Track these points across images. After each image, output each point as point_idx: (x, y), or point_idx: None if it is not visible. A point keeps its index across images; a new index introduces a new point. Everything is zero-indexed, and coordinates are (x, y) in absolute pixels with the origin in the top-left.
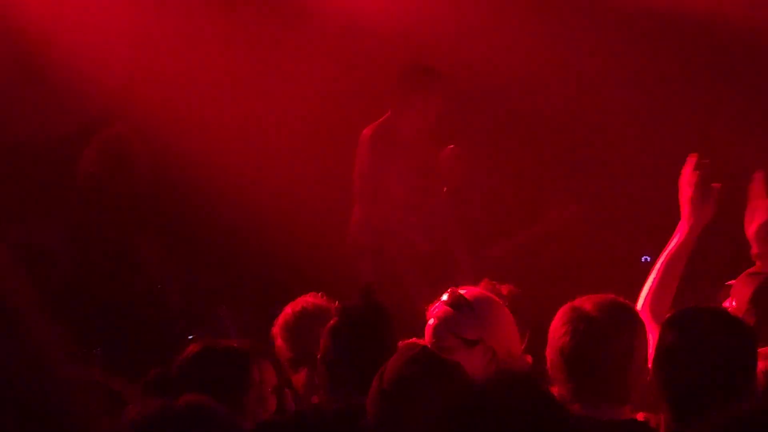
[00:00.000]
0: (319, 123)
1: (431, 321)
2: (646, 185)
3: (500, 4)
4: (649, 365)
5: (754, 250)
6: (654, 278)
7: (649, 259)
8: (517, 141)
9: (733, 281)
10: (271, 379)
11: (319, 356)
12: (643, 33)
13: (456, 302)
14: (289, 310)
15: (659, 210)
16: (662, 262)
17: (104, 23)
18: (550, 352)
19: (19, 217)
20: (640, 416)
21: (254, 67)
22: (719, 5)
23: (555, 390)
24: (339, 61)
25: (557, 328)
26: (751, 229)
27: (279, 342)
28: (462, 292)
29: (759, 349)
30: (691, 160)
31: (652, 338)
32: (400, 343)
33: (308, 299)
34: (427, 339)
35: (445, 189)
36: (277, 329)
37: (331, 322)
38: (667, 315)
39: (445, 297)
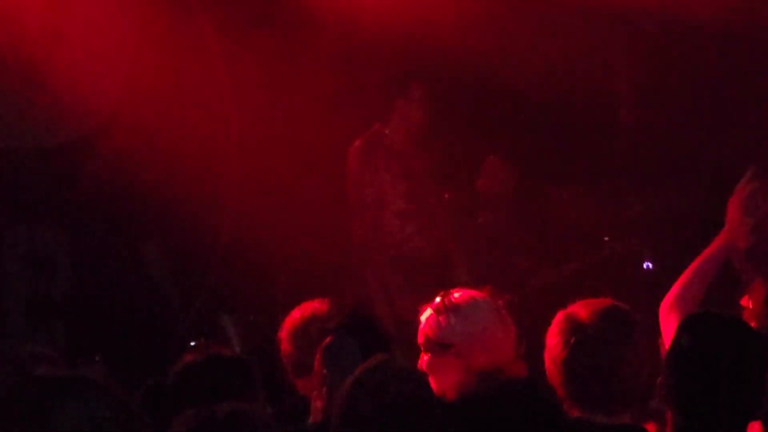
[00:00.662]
0: (320, 130)
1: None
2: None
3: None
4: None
5: None
6: (683, 278)
7: (651, 265)
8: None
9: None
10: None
11: (315, 370)
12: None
13: (438, 305)
14: (297, 315)
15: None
16: (695, 264)
17: (106, 31)
18: (547, 360)
19: (23, 222)
20: (651, 428)
21: (254, 73)
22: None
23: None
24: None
25: (552, 336)
26: None
27: (285, 346)
28: (454, 295)
29: None
30: (750, 171)
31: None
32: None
33: (315, 304)
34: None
35: (446, 195)
36: (284, 334)
37: (326, 340)
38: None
39: (437, 299)
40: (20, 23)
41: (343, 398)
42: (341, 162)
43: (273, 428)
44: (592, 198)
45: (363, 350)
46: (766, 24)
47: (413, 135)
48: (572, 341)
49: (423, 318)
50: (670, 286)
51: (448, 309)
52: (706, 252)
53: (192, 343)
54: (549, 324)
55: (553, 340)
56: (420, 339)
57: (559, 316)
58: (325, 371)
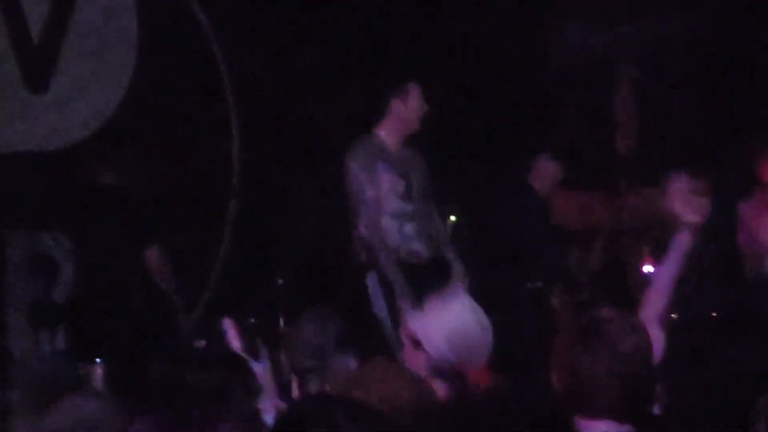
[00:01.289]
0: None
1: None
2: None
3: None
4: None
5: None
6: (664, 290)
7: (652, 269)
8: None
9: None
10: None
11: None
12: None
13: (427, 301)
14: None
15: None
16: (671, 272)
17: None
18: (562, 366)
19: (25, 225)
20: None
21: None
22: None
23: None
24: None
25: (569, 344)
26: None
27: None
28: (444, 295)
29: None
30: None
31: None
32: None
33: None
34: None
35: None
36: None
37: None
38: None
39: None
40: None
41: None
42: (339, 163)
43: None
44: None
45: None
46: None
47: (409, 137)
48: (599, 348)
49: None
50: None
51: (430, 306)
52: (677, 257)
53: (195, 345)
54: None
55: (570, 348)
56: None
57: (578, 324)
58: None
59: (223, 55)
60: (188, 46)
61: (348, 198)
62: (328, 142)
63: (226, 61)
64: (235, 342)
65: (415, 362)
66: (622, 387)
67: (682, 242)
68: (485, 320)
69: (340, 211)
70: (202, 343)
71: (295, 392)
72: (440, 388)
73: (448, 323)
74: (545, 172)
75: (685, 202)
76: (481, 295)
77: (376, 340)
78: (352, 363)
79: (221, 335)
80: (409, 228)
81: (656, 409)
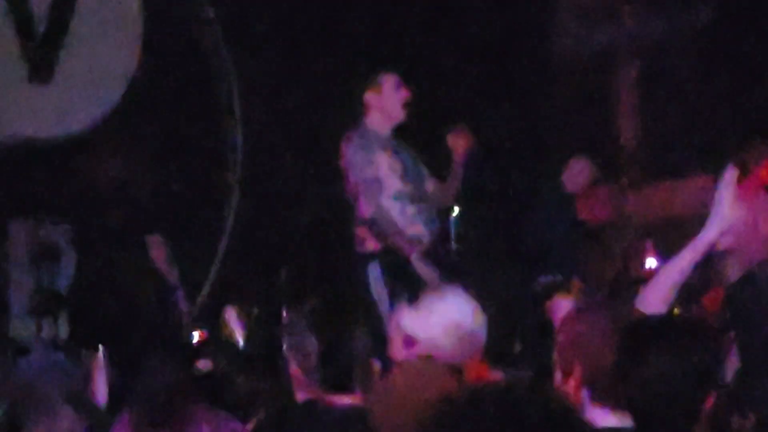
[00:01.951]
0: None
1: None
2: None
3: None
4: None
5: None
6: (677, 276)
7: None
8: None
9: None
10: None
11: None
12: None
13: (421, 297)
14: None
15: None
16: (689, 259)
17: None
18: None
19: (27, 214)
20: None
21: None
22: None
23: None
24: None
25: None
26: None
27: None
28: (440, 290)
29: None
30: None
31: None
32: None
33: None
34: None
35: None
36: None
37: None
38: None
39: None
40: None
41: None
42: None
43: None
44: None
45: None
46: None
47: (397, 123)
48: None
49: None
50: None
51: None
52: (701, 247)
53: (195, 335)
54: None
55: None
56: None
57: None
58: None
59: (225, 44)
60: (192, 36)
61: (346, 184)
62: (330, 132)
63: (229, 51)
64: (238, 331)
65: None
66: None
67: (712, 231)
68: (480, 314)
69: (341, 200)
70: (203, 332)
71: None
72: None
73: (447, 318)
74: (580, 174)
75: (732, 195)
76: (484, 287)
77: (375, 328)
78: None
79: (223, 324)
80: (410, 209)
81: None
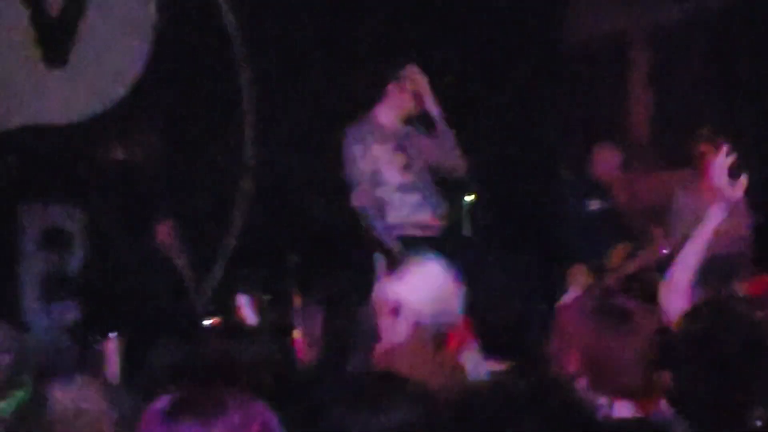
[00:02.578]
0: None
1: None
2: None
3: None
4: None
5: None
6: (692, 259)
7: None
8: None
9: None
10: None
11: None
12: None
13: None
14: None
15: None
16: (702, 243)
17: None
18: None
19: (39, 199)
20: None
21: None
22: None
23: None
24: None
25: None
26: None
27: None
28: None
29: None
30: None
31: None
32: None
33: None
34: None
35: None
36: None
37: None
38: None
39: None
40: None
41: None
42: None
43: None
44: None
45: None
46: None
47: (405, 117)
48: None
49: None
50: None
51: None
52: (710, 230)
53: (207, 322)
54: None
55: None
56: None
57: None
58: None
59: (237, 31)
60: (204, 22)
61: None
62: (339, 119)
63: (240, 38)
64: (250, 317)
65: (393, 331)
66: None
67: (717, 216)
68: (457, 281)
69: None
70: (215, 318)
71: None
72: (421, 353)
73: (431, 285)
74: (610, 160)
75: (726, 176)
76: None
77: None
78: None
79: (235, 310)
80: (413, 198)
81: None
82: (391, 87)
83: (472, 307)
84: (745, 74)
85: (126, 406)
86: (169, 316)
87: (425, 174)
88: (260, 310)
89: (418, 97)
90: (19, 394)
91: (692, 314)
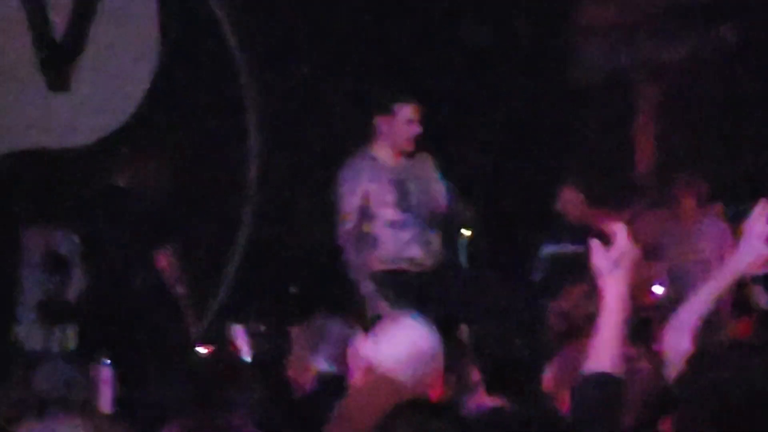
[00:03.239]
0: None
1: None
2: None
3: None
4: None
5: None
6: (703, 306)
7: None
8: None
9: None
10: None
11: None
12: None
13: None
14: None
15: None
16: (715, 291)
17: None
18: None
19: (38, 223)
20: None
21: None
22: None
23: None
24: None
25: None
26: None
27: None
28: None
29: None
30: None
31: None
32: None
33: None
34: None
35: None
36: None
37: None
38: None
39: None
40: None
41: None
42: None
43: None
44: None
45: None
46: None
47: (401, 150)
48: None
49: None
50: None
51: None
52: (727, 280)
53: (201, 350)
54: None
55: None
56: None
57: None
58: None
59: (242, 58)
60: (207, 49)
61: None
62: (341, 151)
63: (245, 64)
64: (245, 348)
65: (364, 390)
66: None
67: (742, 263)
68: (437, 341)
69: None
70: (210, 348)
71: None
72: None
73: (405, 345)
74: (570, 200)
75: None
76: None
77: None
78: None
79: (230, 341)
80: (404, 235)
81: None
82: (381, 121)
83: (473, 344)
84: (747, 114)
85: None
86: (165, 344)
87: (420, 209)
88: (255, 341)
89: (409, 132)
90: None
91: (698, 360)
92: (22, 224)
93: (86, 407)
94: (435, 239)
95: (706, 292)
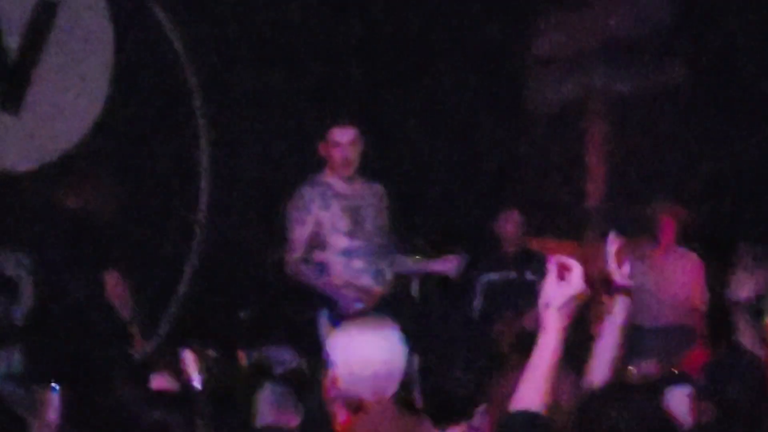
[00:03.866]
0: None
1: None
2: None
3: None
4: None
5: None
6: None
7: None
8: None
9: None
10: None
11: None
12: None
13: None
14: None
15: None
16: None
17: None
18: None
19: None
20: None
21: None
22: None
23: None
24: None
25: None
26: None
27: None
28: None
29: None
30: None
31: None
32: None
33: None
34: None
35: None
36: None
37: None
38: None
39: None
40: None
41: None
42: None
43: None
44: None
45: None
46: None
47: (344, 177)
48: None
49: None
50: None
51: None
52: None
53: (151, 374)
54: None
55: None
56: None
57: None
58: None
59: (196, 82)
60: (162, 73)
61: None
62: (294, 176)
63: (199, 87)
64: (193, 374)
65: (325, 383)
66: None
67: (623, 310)
68: (397, 355)
69: None
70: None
71: None
72: (338, 414)
73: (353, 351)
74: (510, 221)
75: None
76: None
77: None
78: None
79: (179, 366)
80: (357, 263)
81: None
82: (322, 147)
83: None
84: (699, 145)
85: None
86: (111, 367)
87: (373, 238)
88: (205, 367)
89: (339, 155)
90: None
91: (588, 400)
92: None
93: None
94: (387, 270)
95: (613, 326)
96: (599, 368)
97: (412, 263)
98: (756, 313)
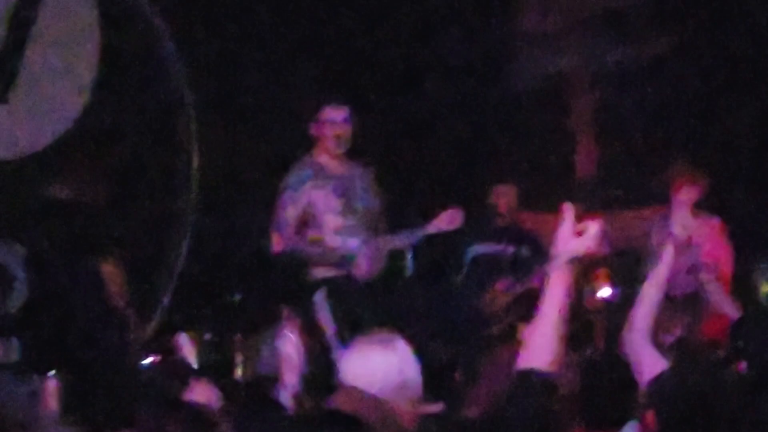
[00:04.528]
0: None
1: None
2: None
3: None
4: None
5: None
6: (649, 309)
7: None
8: None
9: None
10: None
11: None
12: None
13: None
14: None
15: None
16: (661, 289)
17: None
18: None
19: None
20: None
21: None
22: None
23: None
24: None
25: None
26: None
27: None
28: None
29: None
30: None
31: None
32: None
33: None
34: None
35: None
36: None
37: None
38: None
39: None
40: None
41: None
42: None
43: None
44: None
45: None
46: None
47: (338, 154)
48: None
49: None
50: None
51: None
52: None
53: (149, 360)
54: None
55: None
56: None
57: None
58: None
59: (180, 70)
60: (149, 61)
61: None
62: (284, 158)
63: (183, 75)
64: (190, 357)
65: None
66: None
67: (669, 255)
68: (413, 366)
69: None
70: (156, 357)
71: None
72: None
73: (373, 369)
74: (504, 193)
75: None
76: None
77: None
78: None
79: (175, 350)
80: (351, 242)
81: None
82: (313, 127)
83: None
84: (686, 116)
85: None
86: (110, 354)
87: (366, 216)
88: (200, 349)
89: (332, 132)
90: None
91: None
92: None
93: (29, 420)
94: (381, 246)
95: (649, 290)
96: (643, 313)
97: (408, 234)
98: None
